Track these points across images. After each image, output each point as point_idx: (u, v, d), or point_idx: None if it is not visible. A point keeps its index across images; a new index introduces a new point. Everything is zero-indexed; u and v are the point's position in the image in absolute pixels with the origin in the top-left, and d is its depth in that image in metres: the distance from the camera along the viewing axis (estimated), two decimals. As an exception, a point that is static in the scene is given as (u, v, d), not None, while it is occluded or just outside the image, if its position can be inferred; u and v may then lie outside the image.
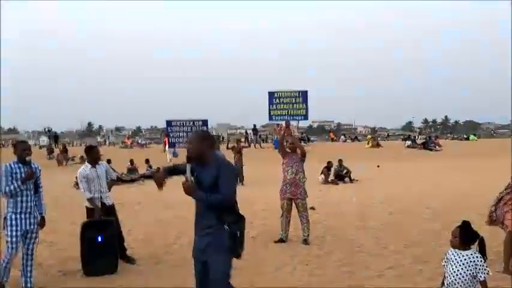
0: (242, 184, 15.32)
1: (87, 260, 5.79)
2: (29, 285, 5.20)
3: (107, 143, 51.98)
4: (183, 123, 7.64)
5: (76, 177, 16.19)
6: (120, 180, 6.66)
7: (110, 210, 6.21)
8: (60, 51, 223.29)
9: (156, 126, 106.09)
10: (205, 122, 7.75)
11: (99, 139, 58.08)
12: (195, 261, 3.76)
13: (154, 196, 12.61)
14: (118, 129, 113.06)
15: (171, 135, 7.47)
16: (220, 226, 3.60)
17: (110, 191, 6.41)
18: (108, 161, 15.38)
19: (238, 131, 51.49)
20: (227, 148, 14.98)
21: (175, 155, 24.86)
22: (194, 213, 3.74)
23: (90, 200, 6.12)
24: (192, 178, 3.67)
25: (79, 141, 68.25)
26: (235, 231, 3.66)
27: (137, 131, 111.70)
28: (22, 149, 5.14)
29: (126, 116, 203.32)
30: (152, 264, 6.30)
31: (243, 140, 21.51)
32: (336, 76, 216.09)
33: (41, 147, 38.71)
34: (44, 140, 39.48)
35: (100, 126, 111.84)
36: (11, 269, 5.17)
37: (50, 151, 29.89)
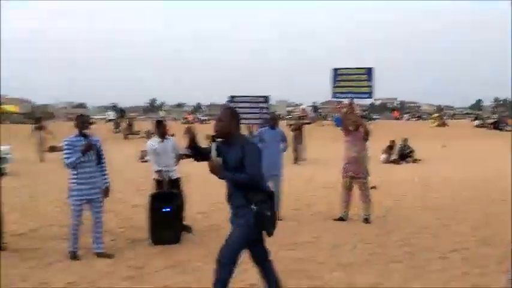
0: (296, 163, 15.01)
1: (154, 229, 6.05)
2: (99, 250, 5.53)
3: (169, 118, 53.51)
4: (245, 99, 7.63)
5: (141, 151, 16.98)
6: (186, 155, 6.81)
7: (175, 184, 6.40)
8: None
9: (215, 103, 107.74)
10: (266, 99, 7.66)
11: (161, 114, 59.79)
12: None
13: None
14: (179, 105, 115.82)
15: None
16: (247, 206, 3.65)
17: (177, 165, 6.56)
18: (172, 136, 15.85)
19: (297, 107, 50.99)
20: (288, 125, 14.88)
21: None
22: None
23: (159, 172, 6.33)
24: (218, 158, 3.69)
25: (143, 116, 70.80)
26: (263, 211, 3.67)
27: (197, 108, 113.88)
28: (81, 122, 5.41)
29: (187, 93, 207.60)
30: (214, 236, 6.47)
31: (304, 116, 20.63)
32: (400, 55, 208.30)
33: (108, 121, 40.58)
34: (110, 114, 41.23)
35: (162, 103, 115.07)
36: (79, 237, 5.51)
37: (117, 125, 31.20)
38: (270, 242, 5.96)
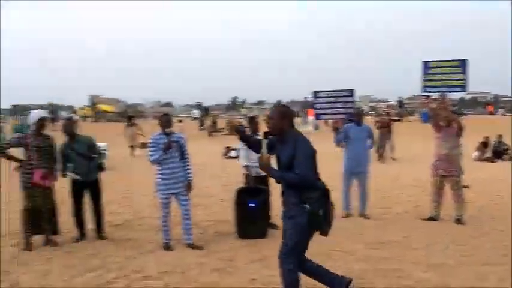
0: (380, 161, 14.31)
1: (240, 223, 6.20)
2: (189, 241, 5.79)
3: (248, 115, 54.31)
4: (329, 94, 7.48)
5: (225, 147, 17.39)
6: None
7: (263, 180, 6.49)
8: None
9: (295, 100, 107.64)
10: (350, 92, 7.44)
11: (242, 112, 60.86)
12: None
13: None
14: (260, 102, 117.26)
15: (317, 107, 7.37)
16: (300, 205, 3.63)
17: None
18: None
19: (380, 103, 49.22)
20: (374, 122, 14.21)
21: (316, 127, 24.98)
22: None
23: (246, 167, 6.47)
24: (269, 155, 3.70)
25: (225, 114, 72.61)
26: (317, 209, 3.63)
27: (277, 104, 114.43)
28: (164, 121, 5.68)
29: (267, 91, 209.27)
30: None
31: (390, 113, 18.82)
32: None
33: (193, 119, 42.14)
34: (195, 112, 42.79)
35: (244, 100, 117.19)
36: (171, 229, 5.80)
37: (201, 123, 32.29)
38: (356, 241, 5.91)
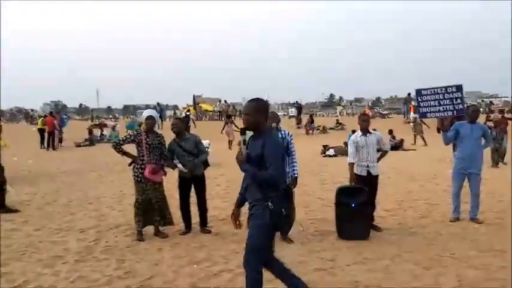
0: (503, 163, 12.77)
1: (341, 223, 6.08)
2: (285, 235, 5.89)
3: (345, 113, 53.14)
4: (434, 91, 7.03)
5: (323, 146, 17.24)
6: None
7: (373, 180, 6.32)
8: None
9: (396, 96, 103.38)
10: (459, 88, 6.90)
11: (338, 110, 59.81)
12: None
13: (399, 168, 12.40)
14: (357, 100, 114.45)
15: (421, 105, 6.99)
16: (264, 202, 3.53)
17: (378, 161, 6.45)
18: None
19: (503, 99, 45.04)
20: (487, 120, 12.69)
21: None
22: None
23: (350, 165, 6.34)
24: (246, 150, 3.59)
25: (322, 112, 71.94)
26: (280, 209, 3.54)
27: (376, 102, 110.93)
28: (269, 118, 5.71)
29: (365, 88, 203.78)
30: (403, 234, 6.22)
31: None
32: None
33: (290, 117, 42.34)
34: (293, 110, 42.92)
35: (340, 98, 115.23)
36: None
37: (299, 121, 32.34)
38: (468, 247, 5.51)
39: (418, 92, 7.20)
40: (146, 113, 6.42)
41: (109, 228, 6.80)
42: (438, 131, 11.03)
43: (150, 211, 6.19)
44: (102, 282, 4.71)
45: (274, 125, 5.73)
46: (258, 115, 3.63)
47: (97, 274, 4.92)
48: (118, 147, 6.16)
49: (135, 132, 6.34)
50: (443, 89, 6.97)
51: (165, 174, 6.26)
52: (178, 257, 5.41)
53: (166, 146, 6.35)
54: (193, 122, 27.83)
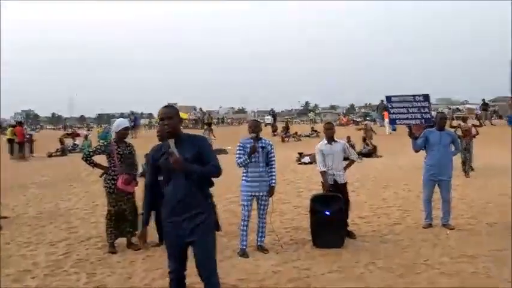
0: (467, 176, 11.77)
1: (316, 231, 6.08)
2: (259, 243, 5.92)
3: (321, 120, 53.59)
4: (403, 99, 7.14)
5: (298, 153, 17.26)
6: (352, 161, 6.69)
7: (341, 188, 6.34)
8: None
9: (370, 104, 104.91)
10: (426, 97, 7.03)
11: (310, 117, 60.33)
12: (173, 246, 3.57)
13: (371, 175, 12.53)
14: (333, 107, 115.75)
15: (391, 112, 7.08)
16: (208, 203, 3.56)
17: (345, 170, 6.48)
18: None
19: (466, 106, 46.15)
20: (452, 126, 12.46)
21: (393, 128, 24.19)
22: (169, 195, 3.47)
23: (322, 173, 6.35)
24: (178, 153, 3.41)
25: (297, 119, 72.34)
26: (215, 205, 3.64)
27: (351, 109, 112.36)
28: (250, 126, 5.84)
29: (339, 95, 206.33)
30: (377, 242, 6.26)
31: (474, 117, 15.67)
32: None
33: (266, 125, 42.43)
34: (268, 118, 43.00)
35: (315, 105, 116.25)
36: (248, 234, 5.82)
37: (274, 129, 32.42)
38: (441, 253, 5.58)
39: (388, 98, 7.29)
40: (121, 122, 6.27)
41: (80, 240, 6.63)
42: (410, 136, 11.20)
43: (123, 223, 6.06)
44: (72, 297, 4.58)
45: (253, 135, 5.72)
46: (178, 119, 3.59)
47: (66, 289, 4.78)
48: (89, 159, 6.02)
49: (105, 143, 6.22)
50: (412, 97, 7.08)
51: (136, 184, 6.15)
52: (151, 269, 5.31)
53: (137, 155, 6.24)
54: None
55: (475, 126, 12.11)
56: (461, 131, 11.92)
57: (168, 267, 3.70)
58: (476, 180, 11.01)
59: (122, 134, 6.07)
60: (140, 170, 6.58)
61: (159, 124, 3.61)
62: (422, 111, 6.98)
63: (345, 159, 6.53)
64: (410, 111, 7.05)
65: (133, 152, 6.19)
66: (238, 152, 5.76)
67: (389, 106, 7.25)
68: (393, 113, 7.22)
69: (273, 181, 5.84)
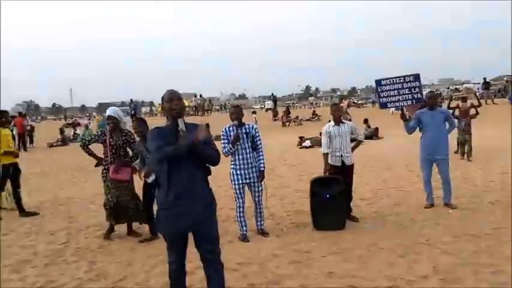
0: (469, 159, 11.09)
1: (316, 214, 6.04)
2: (260, 227, 5.88)
3: (321, 104, 53.49)
4: (393, 81, 7.01)
5: (299, 137, 17.23)
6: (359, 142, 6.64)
7: (348, 169, 6.28)
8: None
9: (371, 86, 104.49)
10: (416, 77, 6.91)
11: (310, 100, 60.19)
12: (174, 236, 3.46)
13: (372, 156, 12.47)
14: (334, 90, 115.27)
15: (381, 95, 6.96)
16: (209, 189, 3.51)
17: (353, 151, 6.40)
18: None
19: (464, 85, 45.69)
20: (449, 107, 11.98)
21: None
22: (173, 182, 3.32)
23: (325, 155, 6.28)
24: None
25: (298, 104, 72.15)
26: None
27: (352, 92, 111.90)
28: (231, 113, 5.69)
29: (340, 79, 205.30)
30: (379, 223, 6.22)
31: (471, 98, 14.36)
32: None
33: (267, 110, 42.30)
34: (269, 103, 42.87)
35: (316, 89, 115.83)
36: (246, 219, 5.78)
37: (275, 114, 32.32)
38: (442, 233, 5.54)
39: (378, 82, 7.17)
40: (108, 111, 6.10)
41: (80, 229, 6.62)
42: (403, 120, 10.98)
43: (120, 210, 6.01)
44: (72, 286, 4.56)
45: (235, 122, 5.58)
46: (183, 104, 3.50)
47: (66, 278, 4.76)
48: (85, 147, 5.97)
49: (100, 132, 6.12)
50: (402, 78, 6.97)
51: (134, 172, 6.04)
52: (151, 256, 5.28)
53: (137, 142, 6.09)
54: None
55: (474, 106, 11.75)
56: (459, 111, 11.63)
57: (167, 258, 3.62)
58: (477, 159, 10.93)
59: (110, 124, 5.92)
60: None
61: (168, 104, 3.39)
62: (413, 91, 6.89)
63: (352, 140, 6.46)
64: (401, 92, 6.95)
65: (131, 140, 6.04)
66: (222, 140, 5.59)
67: (380, 90, 7.14)
68: (384, 97, 7.12)
69: (262, 165, 5.72)
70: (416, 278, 4.27)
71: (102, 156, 6.00)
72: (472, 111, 11.64)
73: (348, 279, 4.33)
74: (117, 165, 5.86)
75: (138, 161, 5.97)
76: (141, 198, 6.05)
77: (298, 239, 5.68)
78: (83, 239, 6.14)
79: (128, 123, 6.26)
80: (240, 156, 5.60)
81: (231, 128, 5.61)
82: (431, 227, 5.85)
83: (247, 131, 5.63)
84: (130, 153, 6.10)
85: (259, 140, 5.74)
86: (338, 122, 6.32)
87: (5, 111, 7.85)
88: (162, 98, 3.47)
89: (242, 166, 5.62)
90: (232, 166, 5.69)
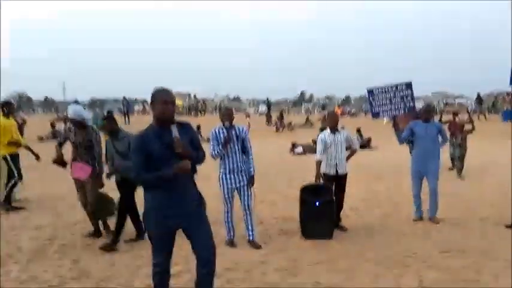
0: (459, 177, 10.70)
1: (305, 222, 6.01)
2: (251, 238, 5.68)
3: (316, 111, 53.56)
4: (385, 89, 6.97)
5: (292, 144, 17.19)
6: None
7: (341, 179, 6.24)
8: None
9: (365, 95, 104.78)
10: (409, 85, 6.89)
11: (309, 107, 60.29)
12: (163, 238, 3.45)
13: (363, 166, 12.48)
14: (328, 98, 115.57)
15: (373, 104, 6.92)
16: (197, 189, 3.51)
17: (347, 160, 6.36)
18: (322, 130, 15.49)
19: (457, 100, 45.85)
20: (440, 121, 11.81)
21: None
22: (165, 184, 3.27)
23: (317, 163, 6.21)
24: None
25: (293, 109, 72.14)
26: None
27: (346, 100, 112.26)
28: (222, 115, 5.55)
29: (336, 85, 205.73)
30: (366, 233, 6.20)
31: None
32: None
33: (260, 114, 42.29)
34: (263, 108, 42.90)
35: (311, 95, 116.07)
36: (234, 224, 5.72)
37: (268, 118, 32.32)
38: (430, 247, 5.52)
39: (370, 91, 7.17)
40: (69, 109, 5.92)
41: (65, 226, 6.53)
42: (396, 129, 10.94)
43: (90, 209, 5.94)
44: (54, 283, 4.49)
45: (227, 123, 5.46)
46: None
47: (49, 274, 4.70)
48: (59, 145, 6.05)
49: (67, 129, 6.02)
50: (394, 87, 6.98)
51: (91, 173, 5.78)
52: (136, 256, 5.22)
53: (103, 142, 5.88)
54: None
55: (471, 121, 11.46)
56: (455, 125, 11.46)
57: (152, 259, 3.56)
58: (469, 175, 10.97)
59: (72, 121, 5.83)
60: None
61: (162, 107, 3.25)
62: (405, 100, 6.89)
63: (346, 149, 6.44)
64: (393, 101, 6.96)
65: (93, 139, 5.78)
66: (211, 142, 5.45)
67: (371, 99, 7.14)
68: (376, 106, 7.11)
69: (251, 170, 5.59)
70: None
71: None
72: (468, 126, 11.44)
73: (334, 289, 4.31)
74: (75, 165, 5.78)
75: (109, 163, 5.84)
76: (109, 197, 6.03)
77: (285, 246, 5.64)
78: (69, 236, 6.06)
79: (90, 120, 6.07)
80: (230, 159, 5.47)
81: (220, 130, 5.48)
82: (419, 241, 5.84)
83: (238, 133, 5.49)
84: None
85: (249, 143, 5.61)
86: (334, 129, 6.30)
87: (10, 102, 8.04)
88: (153, 96, 3.28)
89: (232, 170, 5.49)
90: (221, 170, 5.56)
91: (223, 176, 5.55)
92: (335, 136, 6.24)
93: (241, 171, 5.53)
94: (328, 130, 6.33)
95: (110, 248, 5.44)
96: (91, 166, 5.80)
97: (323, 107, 56.20)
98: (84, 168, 5.79)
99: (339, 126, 6.44)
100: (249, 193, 5.63)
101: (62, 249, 5.52)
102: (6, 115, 7.54)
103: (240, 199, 5.63)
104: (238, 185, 5.54)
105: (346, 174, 6.33)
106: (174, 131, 3.25)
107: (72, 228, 6.40)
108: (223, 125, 5.49)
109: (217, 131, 5.50)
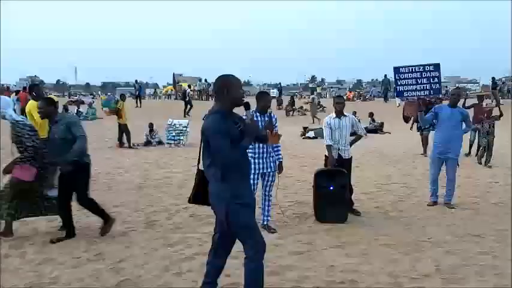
0: (487, 165, 10.06)
1: (319, 206, 6.00)
2: (265, 222, 5.67)
3: (327, 95, 53.15)
4: (412, 69, 6.81)
5: (303, 128, 17.09)
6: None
7: (345, 163, 6.19)
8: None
9: (376, 79, 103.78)
10: (437, 67, 6.71)
11: (319, 91, 59.84)
12: (252, 209, 3.61)
13: (376, 151, 12.40)
14: (339, 82, 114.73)
15: (399, 83, 6.77)
16: None
17: (351, 146, 6.29)
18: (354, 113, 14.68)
19: (469, 85, 45.18)
20: (464, 106, 11.35)
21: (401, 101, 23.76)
22: (242, 162, 3.45)
23: (328, 147, 6.19)
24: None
25: (303, 93, 71.72)
26: None
27: (358, 84, 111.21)
28: (262, 101, 5.52)
29: (346, 70, 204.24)
30: (381, 218, 6.18)
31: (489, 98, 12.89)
32: None
33: (272, 98, 42.09)
34: (274, 92, 42.65)
35: (322, 79, 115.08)
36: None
37: (279, 102, 32.12)
38: (446, 232, 5.48)
39: (396, 69, 7.03)
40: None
41: (80, 208, 6.56)
42: (405, 120, 10.77)
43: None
44: (69, 264, 4.53)
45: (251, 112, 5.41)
46: None
47: (65, 256, 4.73)
48: None
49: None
50: (421, 67, 6.84)
51: (27, 171, 5.30)
52: (151, 239, 5.25)
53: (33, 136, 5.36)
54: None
55: (498, 106, 10.93)
56: (483, 111, 10.57)
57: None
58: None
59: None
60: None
61: (241, 92, 3.46)
62: (432, 81, 6.76)
63: (352, 134, 6.37)
64: (420, 81, 6.83)
65: (19, 133, 5.31)
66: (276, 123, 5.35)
67: (397, 77, 7.00)
68: (401, 85, 6.98)
69: (280, 156, 5.61)
70: (418, 276, 4.22)
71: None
72: (496, 111, 10.76)
73: (349, 273, 4.30)
74: (10, 164, 5.44)
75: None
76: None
77: (299, 230, 5.64)
78: (84, 218, 6.10)
79: (9, 113, 5.64)
80: (260, 145, 5.39)
81: (256, 114, 5.33)
82: (434, 226, 5.80)
83: (271, 119, 5.47)
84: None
85: (277, 129, 5.57)
86: (339, 114, 6.22)
87: (38, 85, 7.80)
88: (229, 81, 3.37)
89: (261, 155, 5.45)
90: (251, 155, 5.42)
91: (252, 160, 5.44)
92: (340, 120, 6.17)
93: (269, 157, 5.50)
94: (333, 114, 6.25)
95: (105, 231, 5.34)
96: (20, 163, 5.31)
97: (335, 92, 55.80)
98: (12, 166, 5.39)
99: (349, 112, 6.33)
100: (273, 179, 5.60)
101: (77, 231, 5.55)
102: (36, 98, 7.34)
103: (263, 184, 5.60)
104: (265, 171, 5.50)
105: (350, 159, 6.27)
106: (249, 114, 3.47)
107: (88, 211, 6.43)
108: (259, 110, 5.45)
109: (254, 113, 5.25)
